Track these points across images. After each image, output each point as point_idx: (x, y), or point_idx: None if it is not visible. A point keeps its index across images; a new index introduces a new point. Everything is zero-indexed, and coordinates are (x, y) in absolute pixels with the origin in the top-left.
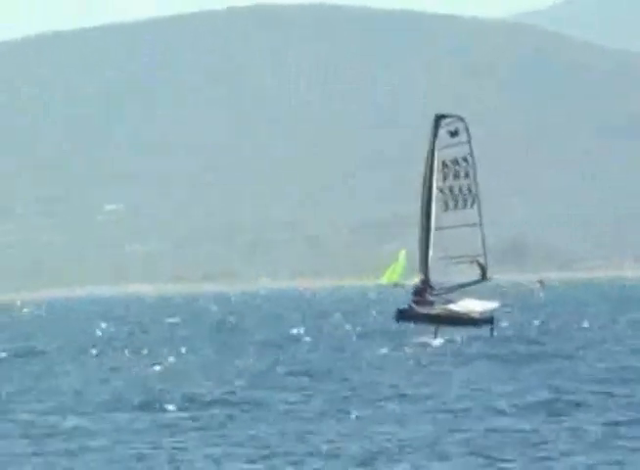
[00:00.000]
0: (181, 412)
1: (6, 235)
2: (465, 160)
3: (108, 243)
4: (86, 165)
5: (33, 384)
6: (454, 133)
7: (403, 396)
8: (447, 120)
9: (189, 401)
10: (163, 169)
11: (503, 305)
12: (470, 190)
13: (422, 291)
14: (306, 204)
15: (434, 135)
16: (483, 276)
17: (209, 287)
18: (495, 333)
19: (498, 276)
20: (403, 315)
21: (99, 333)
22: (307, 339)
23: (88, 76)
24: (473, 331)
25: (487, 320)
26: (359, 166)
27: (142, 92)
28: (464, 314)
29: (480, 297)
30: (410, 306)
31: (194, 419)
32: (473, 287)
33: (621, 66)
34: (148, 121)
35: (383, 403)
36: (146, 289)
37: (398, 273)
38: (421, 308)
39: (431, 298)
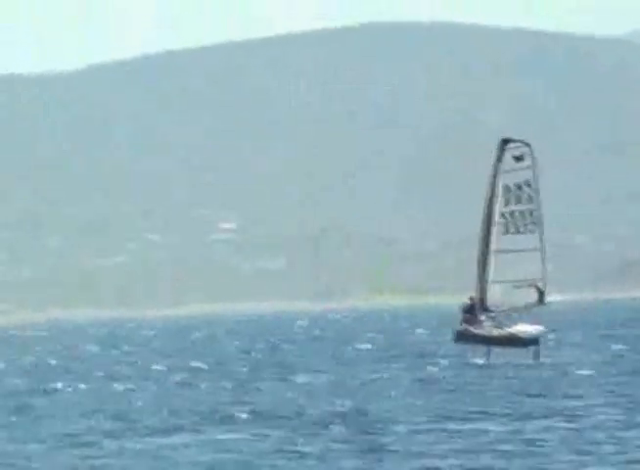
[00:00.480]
0: None
1: (124, 254)
2: (528, 184)
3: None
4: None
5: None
6: (519, 158)
7: None
8: (513, 145)
9: None
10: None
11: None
12: (532, 214)
13: (471, 309)
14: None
15: (499, 159)
16: (541, 300)
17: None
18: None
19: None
20: (461, 337)
21: (253, 354)
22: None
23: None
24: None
25: (533, 341)
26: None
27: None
28: (512, 335)
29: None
30: (466, 328)
31: None
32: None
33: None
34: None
35: None
36: (258, 307)
37: None
38: (477, 330)
39: (482, 318)
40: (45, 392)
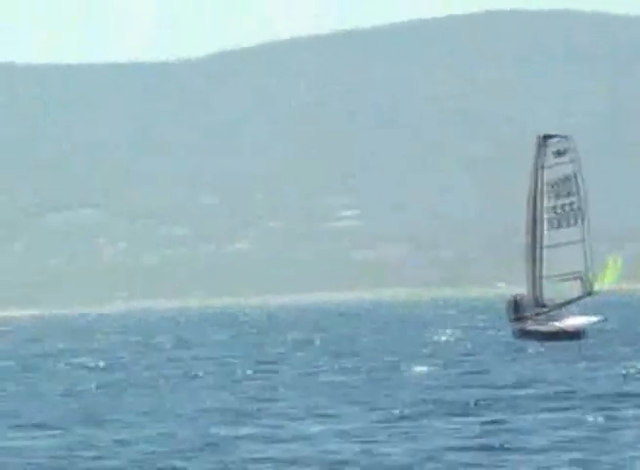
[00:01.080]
0: None
1: (245, 242)
2: (570, 178)
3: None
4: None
5: None
6: (560, 153)
7: None
8: (553, 140)
9: None
10: None
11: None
12: (579, 207)
13: (517, 307)
14: None
15: (541, 154)
16: (587, 291)
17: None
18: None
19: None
20: (521, 334)
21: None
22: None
23: None
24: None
25: (578, 334)
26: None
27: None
28: (560, 329)
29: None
30: (523, 326)
31: None
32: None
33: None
34: None
35: None
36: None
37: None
38: (533, 326)
39: (533, 313)
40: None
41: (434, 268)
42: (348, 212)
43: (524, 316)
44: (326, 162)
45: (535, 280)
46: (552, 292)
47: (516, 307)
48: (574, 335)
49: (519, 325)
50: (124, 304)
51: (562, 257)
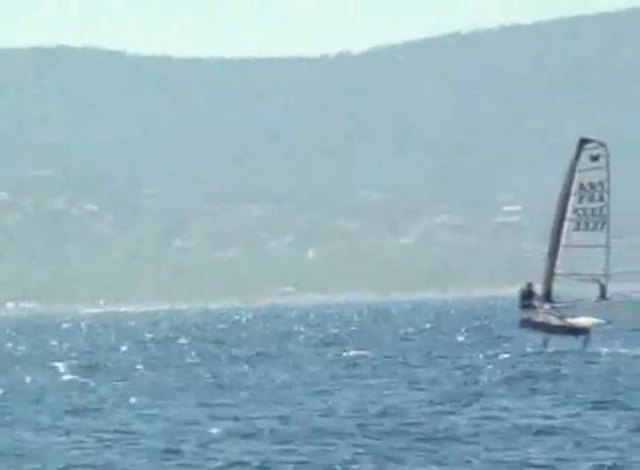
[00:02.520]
0: None
1: (414, 237)
2: (601, 184)
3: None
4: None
5: None
6: (595, 158)
7: None
8: (590, 145)
9: None
10: None
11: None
12: (602, 212)
13: (529, 296)
14: None
15: (577, 158)
16: (603, 295)
17: None
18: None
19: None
20: (525, 323)
21: None
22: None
23: None
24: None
25: (585, 331)
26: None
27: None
28: (568, 325)
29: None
30: (529, 316)
31: None
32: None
33: None
34: None
35: None
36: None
37: None
38: (538, 318)
39: (545, 307)
40: None
41: None
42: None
43: (532, 306)
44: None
45: (548, 275)
46: (565, 290)
47: (526, 296)
48: (580, 332)
49: (525, 314)
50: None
51: (582, 258)
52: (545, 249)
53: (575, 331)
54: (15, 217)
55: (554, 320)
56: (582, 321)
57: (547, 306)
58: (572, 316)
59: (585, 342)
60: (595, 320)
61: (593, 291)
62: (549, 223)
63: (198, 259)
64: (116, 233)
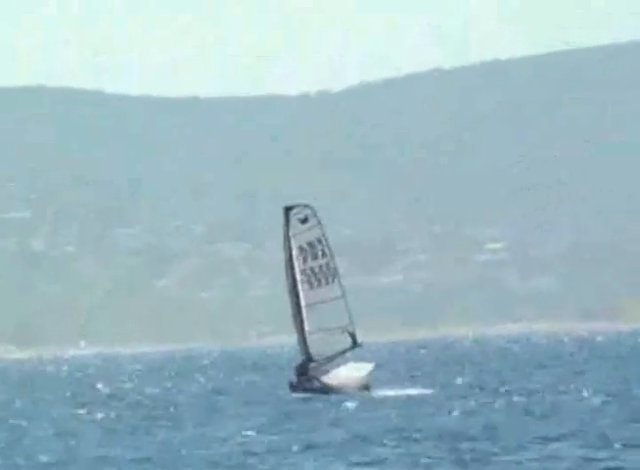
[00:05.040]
0: None
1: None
2: (319, 241)
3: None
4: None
5: None
6: (304, 220)
7: None
8: (295, 210)
9: None
10: None
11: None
12: (328, 267)
13: (305, 369)
14: None
15: (287, 225)
16: (354, 343)
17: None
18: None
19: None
20: (294, 388)
21: None
22: None
23: None
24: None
25: (364, 388)
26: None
27: None
28: (339, 388)
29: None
30: (299, 380)
31: None
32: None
33: None
34: None
35: None
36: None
37: None
38: (306, 384)
39: (312, 372)
40: None
41: None
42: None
43: (305, 379)
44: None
45: (300, 336)
46: (320, 346)
47: (299, 370)
48: (361, 388)
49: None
50: None
51: (324, 313)
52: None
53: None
54: None
55: (312, 382)
56: (357, 375)
57: (312, 365)
58: (331, 370)
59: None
60: (369, 367)
61: (345, 341)
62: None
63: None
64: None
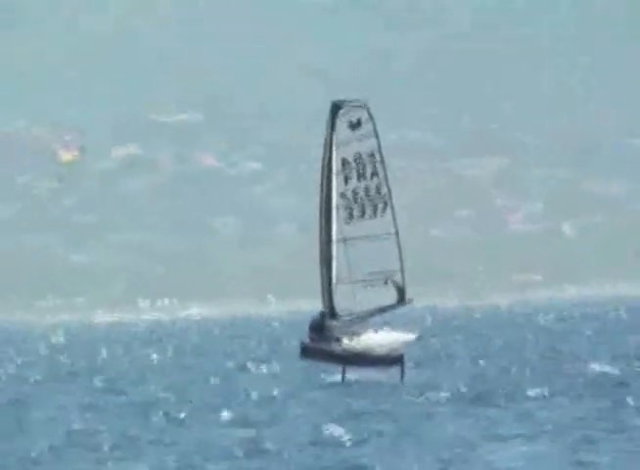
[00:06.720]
0: None
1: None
2: (372, 156)
3: None
4: None
5: None
6: (356, 124)
7: None
8: (345, 110)
9: None
10: None
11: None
12: (379, 192)
13: (321, 325)
14: None
15: (332, 127)
16: (401, 299)
17: None
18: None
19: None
20: (306, 352)
21: None
22: None
23: None
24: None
25: (396, 359)
26: None
27: None
28: (367, 353)
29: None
30: (312, 339)
31: None
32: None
33: None
34: None
35: None
36: None
37: None
38: (323, 345)
39: (334, 331)
40: None
41: None
42: None
43: (321, 336)
44: None
45: (326, 285)
46: (351, 299)
47: (314, 326)
48: (392, 359)
49: (307, 341)
50: None
51: (364, 253)
52: None
53: (380, 360)
54: None
55: (331, 346)
56: (392, 340)
57: (336, 323)
58: (367, 333)
59: (402, 373)
60: (411, 336)
61: (391, 295)
62: None
63: None
64: None
